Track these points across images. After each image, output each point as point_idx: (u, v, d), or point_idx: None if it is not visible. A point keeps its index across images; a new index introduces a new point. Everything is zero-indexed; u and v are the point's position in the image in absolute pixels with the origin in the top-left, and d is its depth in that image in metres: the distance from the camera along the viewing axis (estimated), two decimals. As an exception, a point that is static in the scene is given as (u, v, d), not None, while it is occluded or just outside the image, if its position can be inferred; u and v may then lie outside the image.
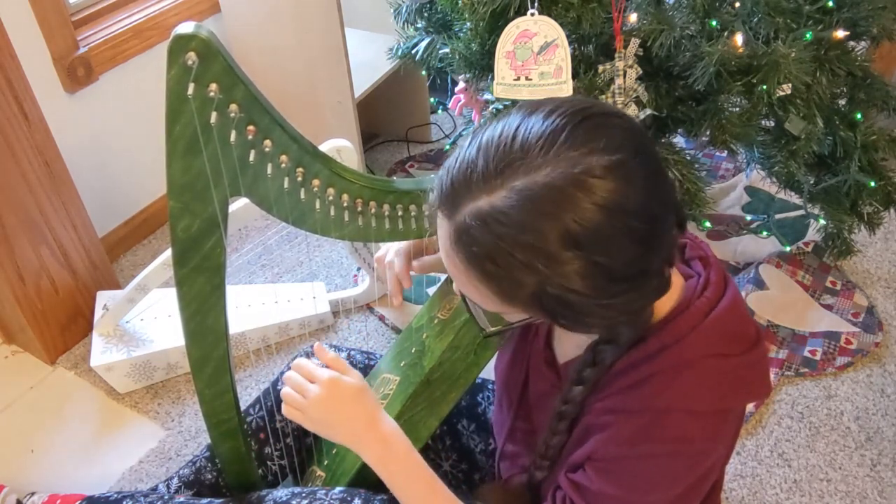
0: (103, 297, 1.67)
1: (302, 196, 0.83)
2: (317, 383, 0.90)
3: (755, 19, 1.33)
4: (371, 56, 2.06)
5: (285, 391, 0.92)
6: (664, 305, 0.76)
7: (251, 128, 0.76)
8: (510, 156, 0.63)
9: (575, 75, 1.28)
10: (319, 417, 0.90)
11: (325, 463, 1.11)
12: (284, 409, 0.92)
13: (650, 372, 0.75)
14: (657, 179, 0.66)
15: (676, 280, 0.78)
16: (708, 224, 1.54)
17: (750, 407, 1.53)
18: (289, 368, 1.02)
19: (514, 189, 0.62)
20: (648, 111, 1.31)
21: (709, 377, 0.74)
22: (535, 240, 0.62)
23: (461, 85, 1.59)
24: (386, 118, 2.38)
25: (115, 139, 1.87)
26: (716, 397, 0.74)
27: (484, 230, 0.63)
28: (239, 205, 1.35)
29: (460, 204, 0.65)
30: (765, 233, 1.96)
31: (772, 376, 1.58)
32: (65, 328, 1.66)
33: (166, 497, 1.09)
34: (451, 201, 0.66)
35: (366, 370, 1.17)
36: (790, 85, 1.27)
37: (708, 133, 1.36)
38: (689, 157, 1.40)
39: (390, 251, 1.06)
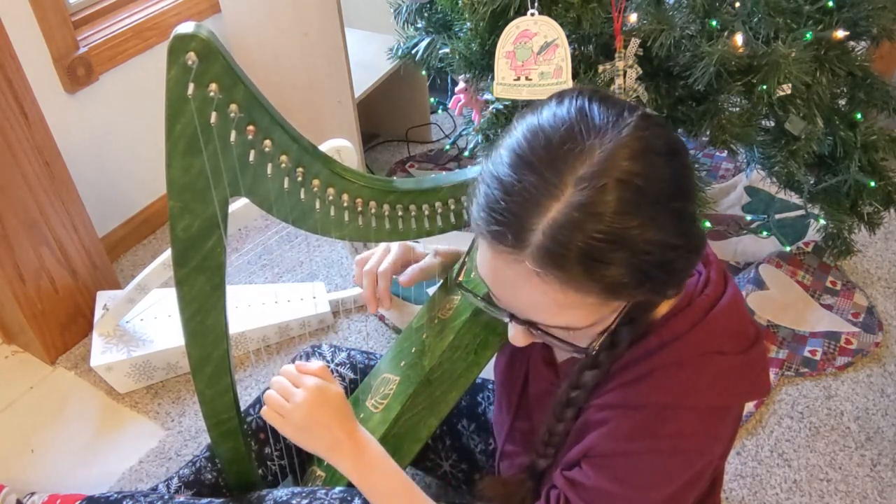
0: (103, 297, 1.67)
1: (302, 196, 0.83)
2: (302, 388, 0.90)
3: (755, 19, 1.33)
4: (371, 56, 2.06)
5: (269, 394, 0.92)
6: (665, 303, 0.76)
7: (251, 128, 0.76)
8: (556, 153, 0.62)
9: (575, 75, 1.28)
10: (300, 422, 0.89)
11: (326, 463, 1.11)
12: (264, 412, 0.92)
13: (649, 368, 0.75)
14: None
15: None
16: (708, 224, 1.54)
17: (750, 407, 1.53)
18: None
19: (581, 178, 0.61)
20: (648, 111, 1.31)
21: (708, 375, 0.74)
22: (619, 213, 0.61)
23: (461, 85, 1.59)
24: (386, 118, 2.38)
25: (115, 139, 1.87)
26: (715, 395, 0.74)
27: (572, 233, 0.61)
28: (239, 205, 1.35)
29: (531, 226, 0.62)
30: (765, 233, 1.95)
31: (772, 376, 1.58)
32: (65, 328, 1.66)
33: (166, 497, 1.09)
34: (519, 231, 0.63)
35: (366, 370, 1.18)
36: (790, 85, 1.27)
37: (708, 133, 1.36)
38: (689, 157, 1.40)
39: (373, 258, 1.06)
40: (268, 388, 0.93)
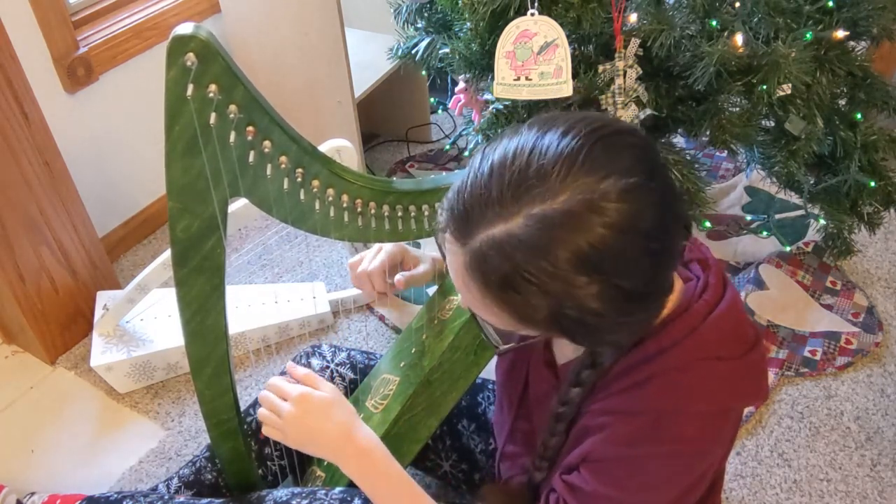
0: (103, 297, 1.67)
1: (301, 197, 0.83)
2: (288, 401, 0.91)
3: (755, 19, 1.33)
4: (371, 56, 2.06)
5: (261, 412, 0.93)
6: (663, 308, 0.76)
7: (250, 128, 0.76)
8: (527, 181, 0.62)
9: (575, 75, 1.28)
10: (297, 435, 0.90)
11: (325, 463, 1.11)
12: (265, 430, 0.93)
13: (648, 374, 0.75)
14: (670, 198, 0.66)
15: (675, 283, 0.78)
16: (708, 224, 1.54)
17: (750, 407, 1.53)
18: (283, 374, 1.02)
19: (533, 216, 0.61)
20: (648, 111, 1.31)
21: (706, 380, 0.74)
22: (554, 265, 0.61)
23: (461, 85, 1.59)
24: (386, 118, 2.38)
25: (115, 139, 1.87)
26: (713, 400, 0.74)
27: (501, 258, 0.62)
28: (239, 205, 1.35)
29: (474, 231, 0.64)
30: (765, 233, 1.95)
31: (772, 376, 1.58)
32: (65, 328, 1.66)
33: (166, 497, 1.09)
34: (464, 228, 0.65)
35: (366, 370, 1.18)
36: (790, 85, 1.27)
37: (708, 133, 1.36)
38: (689, 157, 1.40)
39: (365, 260, 1.06)
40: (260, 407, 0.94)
